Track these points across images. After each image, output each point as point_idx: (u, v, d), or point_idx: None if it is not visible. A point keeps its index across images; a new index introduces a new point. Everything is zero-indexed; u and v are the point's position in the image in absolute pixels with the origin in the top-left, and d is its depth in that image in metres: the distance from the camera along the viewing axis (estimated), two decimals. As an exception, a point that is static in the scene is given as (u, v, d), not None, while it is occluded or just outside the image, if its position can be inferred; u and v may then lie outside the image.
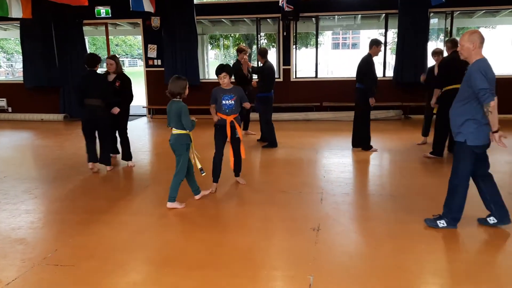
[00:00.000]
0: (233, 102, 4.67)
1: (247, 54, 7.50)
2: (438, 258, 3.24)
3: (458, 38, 5.91)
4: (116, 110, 5.74)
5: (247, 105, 4.81)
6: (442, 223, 3.69)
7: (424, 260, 3.20)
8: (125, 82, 5.85)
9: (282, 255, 3.34)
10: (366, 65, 6.31)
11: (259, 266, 3.14)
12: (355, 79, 6.55)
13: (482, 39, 3.44)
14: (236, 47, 7.81)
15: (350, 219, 4.05)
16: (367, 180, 5.45)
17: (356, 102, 6.63)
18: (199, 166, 4.42)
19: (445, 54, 6.51)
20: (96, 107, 5.51)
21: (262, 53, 7.20)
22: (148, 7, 8.91)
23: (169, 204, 4.32)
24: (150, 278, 3.01)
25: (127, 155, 6.05)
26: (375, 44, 6.31)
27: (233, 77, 5.11)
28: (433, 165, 5.90)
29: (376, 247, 3.40)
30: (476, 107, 3.39)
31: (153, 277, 3.02)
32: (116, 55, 6.29)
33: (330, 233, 3.69)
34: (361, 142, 6.69)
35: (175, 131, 4.24)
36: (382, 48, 6.45)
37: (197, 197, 4.56)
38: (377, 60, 6.89)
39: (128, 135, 6.17)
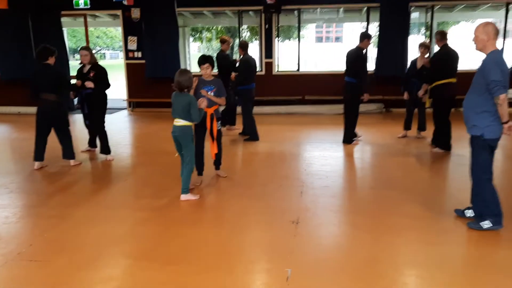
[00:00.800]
0: (213, 94, 4.65)
1: (230, 45, 7.52)
2: (414, 250, 3.28)
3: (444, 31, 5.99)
4: (89, 83, 5.59)
5: (220, 101, 4.74)
6: (487, 223, 3.48)
7: (400, 252, 3.24)
8: (100, 72, 5.72)
9: (260, 248, 3.34)
10: (357, 59, 6.34)
11: (236, 259, 3.13)
12: (339, 72, 6.56)
13: (496, 31, 3.39)
14: (219, 38, 7.79)
15: (330, 211, 4.07)
16: (347, 173, 5.49)
17: (346, 97, 6.63)
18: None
19: (435, 46, 6.51)
20: (50, 101, 5.34)
21: (243, 46, 7.17)
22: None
23: (183, 197, 4.27)
24: (125, 272, 2.97)
25: (105, 149, 5.95)
26: (366, 38, 6.37)
27: (215, 69, 5.08)
28: (413, 158, 5.97)
29: (354, 240, 3.43)
30: (492, 99, 3.30)
31: (129, 271, 2.99)
32: (88, 46, 6.15)
33: (309, 225, 3.71)
34: (344, 135, 6.72)
35: (180, 122, 4.22)
36: (351, 40, 6.51)
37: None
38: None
39: (107, 128, 6.06)
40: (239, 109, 7.86)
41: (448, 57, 5.95)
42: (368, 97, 6.39)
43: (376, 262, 3.06)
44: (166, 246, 3.34)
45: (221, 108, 6.05)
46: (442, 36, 6.02)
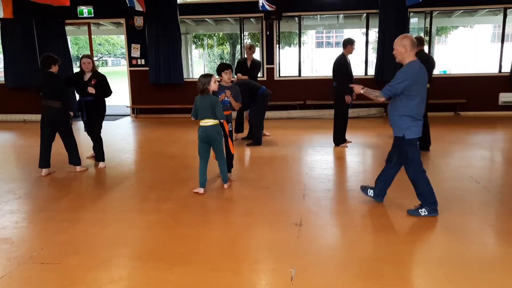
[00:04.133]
0: (228, 98, 5.01)
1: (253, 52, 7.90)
2: (413, 249, 3.37)
3: (424, 37, 6.05)
4: (91, 89, 5.72)
5: (236, 105, 5.16)
6: (424, 211, 3.90)
7: (401, 251, 3.33)
8: (101, 79, 5.84)
9: (265, 249, 3.43)
10: (338, 64, 6.53)
11: (241, 260, 3.23)
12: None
13: (412, 43, 3.72)
14: (246, 46, 8.24)
15: (332, 213, 4.17)
16: (348, 176, 5.58)
17: (334, 101, 6.84)
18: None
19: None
20: (54, 108, 5.45)
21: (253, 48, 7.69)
22: (138, 6, 8.89)
23: (226, 185, 4.88)
24: (134, 273, 3.07)
25: (99, 156, 6.04)
26: (349, 44, 6.52)
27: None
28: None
29: (355, 240, 3.52)
30: (412, 103, 3.71)
31: (137, 272, 3.08)
32: (89, 54, 6.28)
33: (312, 227, 3.80)
34: (334, 138, 6.91)
35: (208, 122, 4.56)
36: (356, 46, 6.64)
37: (200, 190, 4.70)
38: (360, 59, 7.06)
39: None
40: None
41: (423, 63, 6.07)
42: (350, 99, 6.52)
43: (378, 262, 3.15)
44: (173, 247, 3.44)
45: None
46: (418, 42, 6.11)
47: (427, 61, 6.11)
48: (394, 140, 3.97)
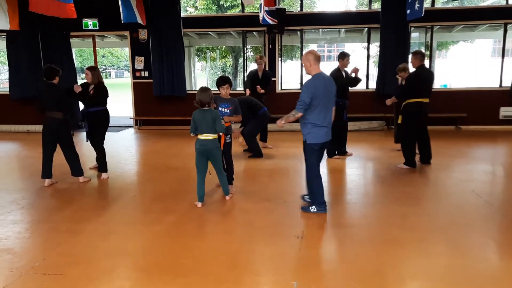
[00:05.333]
0: (228, 111, 5.04)
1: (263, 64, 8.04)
2: (415, 263, 3.37)
3: (425, 52, 6.19)
4: (77, 87, 5.85)
5: (237, 118, 5.22)
6: (313, 208, 4.41)
7: (403, 265, 3.33)
8: (100, 91, 5.92)
9: (267, 261, 3.44)
10: (333, 77, 6.63)
11: (243, 271, 3.23)
12: None
13: (316, 57, 4.22)
14: (255, 57, 8.31)
15: (333, 226, 4.17)
16: (348, 189, 5.59)
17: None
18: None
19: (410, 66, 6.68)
20: (55, 119, 5.51)
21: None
22: (137, 19, 8.97)
23: (228, 197, 4.93)
24: (136, 285, 3.07)
25: (102, 167, 6.08)
26: (341, 58, 6.71)
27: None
28: (409, 174, 6.08)
29: (357, 254, 3.52)
30: (313, 112, 4.19)
31: (139, 283, 3.09)
32: (93, 66, 6.36)
33: (313, 240, 3.81)
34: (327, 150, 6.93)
35: (208, 136, 4.58)
36: (350, 59, 6.75)
37: (198, 204, 4.71)
38: (361, 73, 7.14)
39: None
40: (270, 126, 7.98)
41: (421, 78, 6.16)
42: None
43: (379, 276, 3.15)
44: (176, 259, 3.45)
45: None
46: (420, 56, 6.20)
47: (427, 76, 6.22)
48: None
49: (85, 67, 6.24)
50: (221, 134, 4.70)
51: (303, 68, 4.41)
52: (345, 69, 6.77)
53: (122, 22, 8.60)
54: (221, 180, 4.89)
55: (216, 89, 5.26)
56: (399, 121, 6.52)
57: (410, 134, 6.28)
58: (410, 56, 6.98)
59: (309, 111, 4.21)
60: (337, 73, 6.63)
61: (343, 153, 7.13)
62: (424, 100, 6.15)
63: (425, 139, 6.47)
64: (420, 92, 6.11)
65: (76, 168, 5.80)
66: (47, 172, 5.67)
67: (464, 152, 7.62)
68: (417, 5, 8.01)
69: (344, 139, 7.12)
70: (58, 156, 5.75)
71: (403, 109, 6.32)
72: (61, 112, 5.53)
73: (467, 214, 4.40)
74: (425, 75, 6.21)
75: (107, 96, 6.02)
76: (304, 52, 4.43)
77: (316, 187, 4.41)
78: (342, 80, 6.56)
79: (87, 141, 6.22)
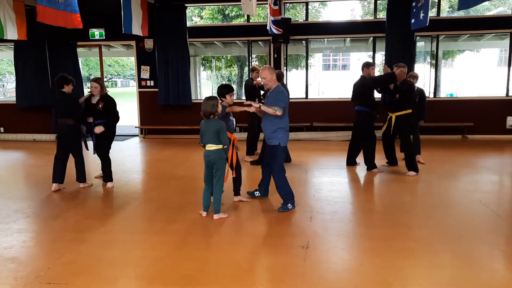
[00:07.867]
0: (234, 120, 5.10)
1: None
2: (422, 273, 3.33)
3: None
4: (98, 129, 5.84)
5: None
6: (289, 205, 4.82)
7: (409, 275, 3.29)
8: (109, 104, 5.92)
9: (272, 271, 3.41)
10: (362, 86, 6.69)
11: (248, 282, 3.21)
12: (345, 99, 6.80)
13: (272, 72, 4.77)
14: (252, 67, 7.96)
15: (338, 236, 4.14)
16: (355, 199, 5.56)
17: (355, 124, 6.89)
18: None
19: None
20: (65, 126, 5.69)
21: (279, 76, 7.50)
22: (137, 31, 8.93)
23: (216, 216, 4.61)
24: (142, 295, 3.06)
25: (107, 176, 6.09)
26: (365, 66, 6.70)
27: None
28: (415, 183, 6.04)
29: (363, 264, 3.49)
30: (283, 117, 4.68)
31: (145, 293, 3.07)
32: (99, 77, 6.38)
33: (319, 250, 3.78)
34: (366, 162, 6.85)
35: (212, 147, 4.49)
36: (357, 68, 6.80)
37: (203, 213, 4.69)
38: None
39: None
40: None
41: (412, 91, 6.54)
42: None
43: (387, 286, 3.11)
44: (180, 268, 3.43)
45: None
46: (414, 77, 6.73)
47: (415, 89, 6.70)
48: (268, 148, 4.88)
49: (91, 76, 6.26)
50: (225, 146, 4.55)
51: (265, 83, 4.82)
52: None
53: (123, 32, 8.64)
54: (214, 195, 4.63)
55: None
56: (382, 130, 6.81)
57: (405, 142, 6.66)
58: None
59: (281, 116, 4.65)
60: (368, 80, 6.61)
61: (353, 163, 7.07)
62: (410, 111, 6.52)
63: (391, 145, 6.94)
64: (410, 104, 6.55)
65: (79, 174, 5.96)
66: (56, 177, 5.80)
67: (471, 161, 7.57)
68: (421, 15, 8.01)
69: (359, 150, 7.01)
70: (68, 163, 5.82)
71: (396, 122, 6.56)
72: (71, 118, 5.67)
73: (474, 225, 4.36)
74: (413, 87, 6.65)
75: (116, 107, 6.05)
76: (263, 68, 4.85)
77: (287, 186, 4.84)
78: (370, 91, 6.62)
79: (94, 153, 6.22)
